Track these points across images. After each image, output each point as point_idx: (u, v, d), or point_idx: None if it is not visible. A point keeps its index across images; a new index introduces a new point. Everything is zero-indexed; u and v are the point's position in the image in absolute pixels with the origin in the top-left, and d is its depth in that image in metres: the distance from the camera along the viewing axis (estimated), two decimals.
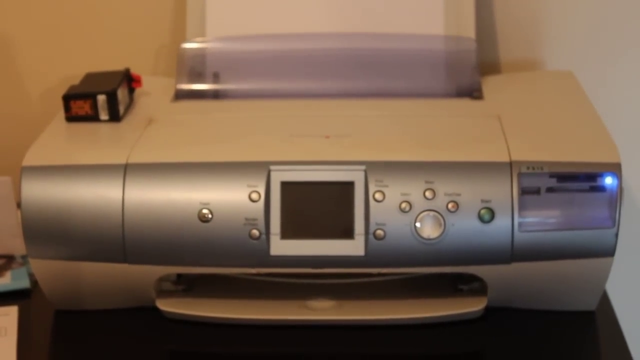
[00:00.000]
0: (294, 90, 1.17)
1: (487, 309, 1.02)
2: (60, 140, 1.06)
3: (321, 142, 1.02)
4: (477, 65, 1.18)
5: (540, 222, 0.97)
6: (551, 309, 1.03)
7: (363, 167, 0.98)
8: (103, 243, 0.98)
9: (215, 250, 0.98)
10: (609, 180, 0.97)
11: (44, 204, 0.98)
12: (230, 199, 0.97)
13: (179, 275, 1.06)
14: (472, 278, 1.01)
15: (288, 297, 1.04)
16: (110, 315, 1.04)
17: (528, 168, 0.97)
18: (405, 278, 1.06)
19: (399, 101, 1.14)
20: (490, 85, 1.18)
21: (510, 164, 0.97)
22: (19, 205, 1.00)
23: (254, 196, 0.97)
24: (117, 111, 1.09)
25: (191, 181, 0.98)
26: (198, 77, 1.20)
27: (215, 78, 1.19)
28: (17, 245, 1.13)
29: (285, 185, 0.98)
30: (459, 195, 0.96)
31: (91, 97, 1.09)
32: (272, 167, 0.98)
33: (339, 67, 1.19)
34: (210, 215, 0.97)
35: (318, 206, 0.98)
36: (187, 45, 1.21)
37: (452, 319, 1.01)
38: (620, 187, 0.97)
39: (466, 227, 0.96)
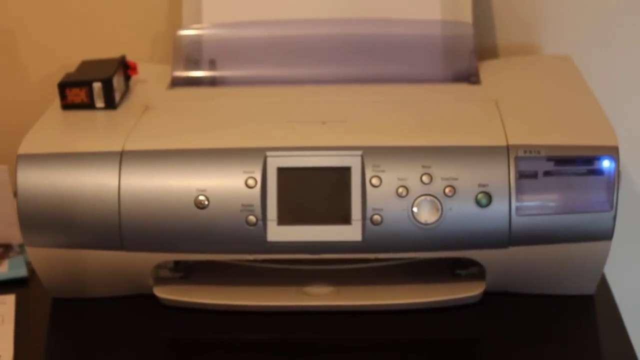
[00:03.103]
0: (291, 76, 1.17)
1: (485, 294, 1.02)
2: (56, 128, 1.06)
3: (318, 128, 1.01)
4: (474, 50, 1.17)
5: (538, 205, 0.97)
6: (549, 293, 1.03)
7: (360, 153, 0.97)
8: (99, 230, 0.98)
9: (212, 237, 0.98)
10: (606, 164, 0.96)
11: (40, 192, 0.98)
12: (227, 185, 0.97)
13: (177, 262, 1.06)
14: (470, 263, 1.01)
15: (285, 283, 1.04)
16: (107, 303, 1.04)
17: (525, 152, 0.96)
18: (402, 263, 1.06)
19: (396, 86, 1.14)
20: (487, 69, 1.18)
21: (508, 148, 0.97)
22: (15, 193, 1.00)
23: (251, 182, 0.97)
24: (113, 99, 1.09)
25: (187, 168, 0.98)
26: (194, 64, 1.19)
27: (212, 65, 1.19)
28: (14, 234, 1.12)
29: (282, 171, 0.97)
30: (456, 179, 0.96)
31: (87, 84, 1.08)
32: (268, 153, 0.98)
33: (335, 52, 1.18)
34: (206, 202, 0.97)
35: (315, 192, 0.98)
36: (183, 32, 1.20)
37: (450, 303, 1.01)
38: (617, 170, 0.96)
39: (463, 211, 0.96)
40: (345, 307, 1.01)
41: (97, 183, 0.98)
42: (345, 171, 0.97)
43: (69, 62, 1.17)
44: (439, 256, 0.99)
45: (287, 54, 1.19)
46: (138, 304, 1.04)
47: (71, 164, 0.99)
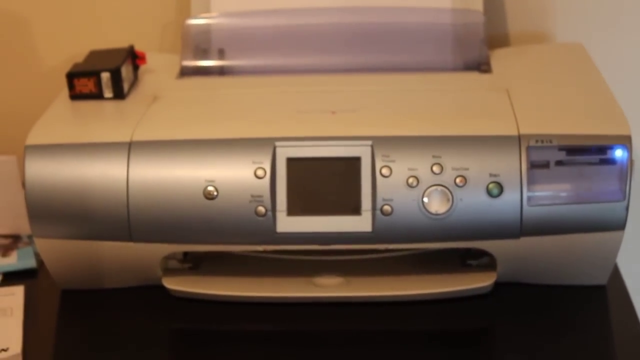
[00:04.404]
0: (300, 65, 1.17)
1: (497, 284, 1.01)
2: (64, 119, 1.06)
3: (327, 118, 1.01)
4: (485, 38, 1.17)
5: (550, 195, 0.96)
6: (561, 283, 1.02)
7: (369, 142, 0.97)
8: (108, 221, 0.98)
9: (221, 228, 0.97)
10: (619, 153, 0.96)
11: (48, 183, 0.98)
12: (236, 175, 0.97)
13: (185, 254, 1.05)
14: (481, 253, 1.01)
15: (295, 274, 1.04)
16: (116, 294, 1.04)
17: (537, 141, 0.96)
18: (413, 254, 1.05)
19: (406, 75, 1.13)
20: (498, 58, 1.17)
21: (519, 138, 0.96)
22: (23, 184, 0.99)
23: (260, 173, 0.96)
24: (122, 89, 1.08)
25: (196, 158, 0.97)
26: (203, 53, 1.19)
27: (221, 54, 1.19)
28: (22, 225, 1.12)
29: (291, 162, 0.97)
30: (466, 169, 0.95)
31: (95, 74, 1.08)
32: (277, 143, 0.97)
33: (345, 41, 1.18)
34: (215, 193, 0.96)
35: (324, 182, 0.97)
36: (192, 22, 1.20)
37: (461, 294, 1.01)
38: (630, 159, 0.95)
39: (474, 201, 0.95)
40: (354, 298, 1.01)
41: (105, 174, 0.97)
42: (355, 161, 0.97)
43: (77, 52, 1.17)
44: (450, 247, 0.99)
45: (296, 43, 1.18)
46: (147, 295, 1.04)
47: (79, 155, 0.98)
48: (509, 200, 0.95)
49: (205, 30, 1.19)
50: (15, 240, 1.17)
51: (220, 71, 1.18)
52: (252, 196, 0.96)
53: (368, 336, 0.98)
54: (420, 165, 0.96)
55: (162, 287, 1.03)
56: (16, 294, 1.05)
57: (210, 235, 0.98)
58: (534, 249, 0.98)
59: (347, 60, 1.17)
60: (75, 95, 1.08)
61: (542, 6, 1.28)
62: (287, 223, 0.97)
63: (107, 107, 1.07)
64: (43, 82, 1.33)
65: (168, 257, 1.03)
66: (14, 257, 1.13)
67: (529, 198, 0.95)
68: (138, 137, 0.99)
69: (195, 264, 1.06)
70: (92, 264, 1.01)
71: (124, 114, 1.06)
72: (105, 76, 1.08)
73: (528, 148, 0.96)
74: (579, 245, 0.98)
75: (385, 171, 0.96)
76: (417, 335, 0.99)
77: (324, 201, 0.97)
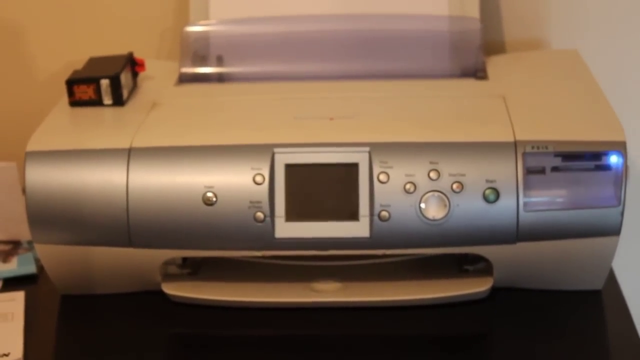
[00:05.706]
0: (298, 72, 1.17)
1: (493, 289, 1.02)
2: (64, 125, 1.06)
3: (325, 124, 1.01)
4: (482, 45, 1.17)
5: (546, 201, 0.97)
6: (557, 288, 1.03)
7: (367, 149, 0.97)
8: (108, 227, 0.98)
9: (220, 234, 0.98)
10: (614, 159, 0.96)
11: (48, 189, 0.98)
12: (235, 182, 0.97)
13: (185, 259, 1.06)
14: (478, 258, 1.01)
15: (293, 280, 1.04)
16: (116, 300, 1.04)
17: (533, 147, 0.96)
18: (410, 259, 1.06)
19: (403, 82, 1.14)
20: (494, 65, 1.18)
21: (515, 144, 0.97)
22: (24, 190, 1.00)
23: (258, 179, 0.97)
24: (121, 95, 1.09)
25: (195, 165, 0.98)
26: (202, 60, 1.19)
27: (219, 61, 1.19)
28: (23, 231, 1.12)
29: (290, 168, 0.98)
30: (463, 175, 0.96)
31: (94, 81, 1.08)
32: (276, 150, 0.98)
33: (342, 48, 1.18)
34: (214, 199, 0.97)
35: (322, 188, 0.98)
36: (191, 29, 1.20)
37: (458, 299, 1.01)
38: (625, 165, 0.96)
39: (471, 207, 0.96)
40: (352, 303, 1.01)
41: (105, 180, 0.98)
42: (352, 167, 0.97)
43: (76, 58, 1.17)
44: (447, 252, 0.99)
45: (294, 49, 1.19)
46: (146, 301, 1.04)
47: (79, 161, 0.99)
48: (505, 205, 0.96)
49: (204, 37, 1.20)
50: (15, 246, 1.17)
51: (219, 78, 1.19)
52: (251, 202, 0.97)
53: (366, 341, 0.98)
54: (417, 171, 0.96)
55: (162, 293, 1.03)
56: (17, 299, 1.06)
57: (210, 241, 0.98)
58: (530, 254, 0.98)
59: (345, 66, 1.17)
60: (74, 102, 1.09)
61: (537, 13, 1.29)
62: (285, 229, 0.98)
63: (107, 114, 1.08)
64: (43, 88, 1.33)
65: (167, 263, 1.03)
66: (14, 263, 1.13)
67: (525, 204, 0.96)
68: (137, 143, 0.99)
69: (194, 269, 1.06)
70: (91, 269, 1.02)
71: (123, 120, 1.06)
72: (104, 83, 1.08)
73: (524, 154, 0.96)
74: (574, 250, 0.98)
75: (382, 177, 0.97)
76: (415, 340, 0.99)
77: (322, 207, 0.98)
